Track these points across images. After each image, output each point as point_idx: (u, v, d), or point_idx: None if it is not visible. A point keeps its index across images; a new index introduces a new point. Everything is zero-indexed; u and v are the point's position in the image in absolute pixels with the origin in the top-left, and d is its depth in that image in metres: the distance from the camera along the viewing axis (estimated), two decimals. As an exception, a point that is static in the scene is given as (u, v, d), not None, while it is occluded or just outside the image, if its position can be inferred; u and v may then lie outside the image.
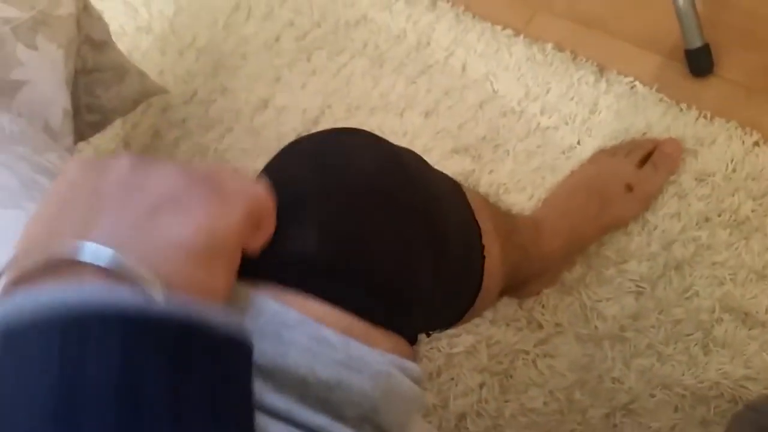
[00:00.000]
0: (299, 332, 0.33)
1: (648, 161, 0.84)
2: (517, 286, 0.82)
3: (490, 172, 0.93)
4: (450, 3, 1.06)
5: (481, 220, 0.54)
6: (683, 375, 0.77)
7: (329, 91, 1.07)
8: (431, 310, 0.44)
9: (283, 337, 0.33)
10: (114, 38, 1.08)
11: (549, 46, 0.96)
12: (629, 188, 0.82)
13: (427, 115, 1.00)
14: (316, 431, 0.32)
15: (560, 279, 0.84)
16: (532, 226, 0.78)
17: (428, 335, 0.55)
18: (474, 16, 1.04)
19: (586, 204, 0.82)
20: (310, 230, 0.36)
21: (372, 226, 0.38)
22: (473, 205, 0.54)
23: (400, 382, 0.37)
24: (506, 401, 0.83)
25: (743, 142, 0.83)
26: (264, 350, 0.32)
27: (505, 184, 0.92)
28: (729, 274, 0.78)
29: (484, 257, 0.53)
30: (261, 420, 0.31)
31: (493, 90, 0.97)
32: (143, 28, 1.31)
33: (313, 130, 1.06)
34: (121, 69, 1.10)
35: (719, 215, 0.81)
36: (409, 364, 0.38)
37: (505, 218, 0.71)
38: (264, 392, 0.32)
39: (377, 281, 0.37)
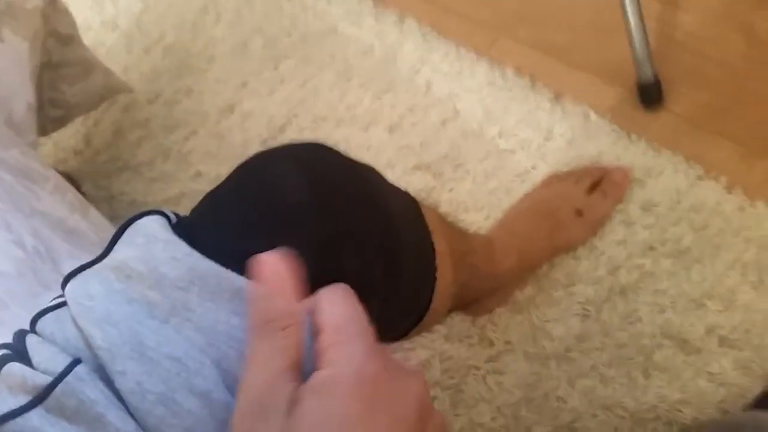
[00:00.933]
0: None
1: (597, 188, 0.88)
2: (469, 303, 0.85)
3: (450, 190, 0.96)
4: (417, 22, 1.08)
5: (436, 240, 0.55)
6: (624, 397, 0.81)
7: (296, 100, 1.08)
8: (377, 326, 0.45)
9: None
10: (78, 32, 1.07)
11: (510, 71, 1.00)
12: (579, 213, 0.86)
13: (391, 130, 1.02)
14: None
15: (512, 298, 0.87)
16: (485, 246, 0.81)
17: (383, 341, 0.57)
18: (440, 36, 1.06)
19: (537, 226, 0.86)
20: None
21: (336, 236, 0.40)
22: (430, 225, 0.55)
23: None
24: (456, 415, 0.85)
25: (687, 175, 0.87)
26: None
27: (464, 202, 0.95)
28: (670, 302, 0.83)
29: (435, 278, 0.55)
30: None
31: (456, 110, 0.99)
32: (109, 23, 1.29)
33: (279, 138, 1.08)
34: (87, 64, 1.09)
35: (663, 244, 0.85)
36: None
37: (461, 238, 0.73)
38: None
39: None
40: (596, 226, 0.87)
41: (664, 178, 0.88)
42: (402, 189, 0.55)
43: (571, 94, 0.97)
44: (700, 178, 0.88)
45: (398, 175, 0.98)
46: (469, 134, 0.98)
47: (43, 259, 0.63)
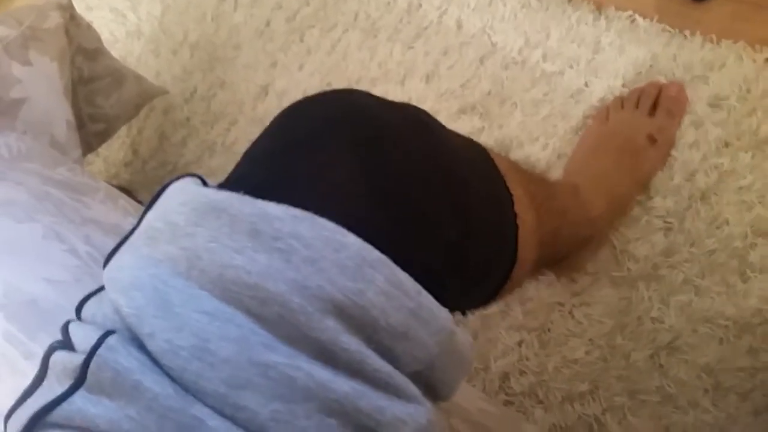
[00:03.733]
0: (379, 272, 0.32)
1: (659, 108, 0.81)
2: (560, 259, 0.79)
3: (500, 127, 0.91)
4: (437, -38, 1.03)
5: (511, 186, 0.51)
6: (724, 306, 0.75)
7: (327, 68, 1.05)
8: (465, 282, 0.42)
9: (364, 274, 0.31)
10: (106, 46, 1.07)
11: (543, -10, 0.94)
12: (652, 139, 0.80)
13: (428, 78, 0.98)
14: (379, 380, 0.32)
15: (605, 244, 0.81)
16: (571, 190, 0.75)
17: (464, 314, 0.52)
18: (462, -30, 1.01)
19: (618, 163, 0.79)
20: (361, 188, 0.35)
21: (405, 189, 0.37)
22: (502, 171, 0.51)
23: (461, 342, 0.36)
24: (547, 356, 0.82)
25: (754, 60, 0.80)
26: (343, 285, 0.31)
27: (517, 137, 0.90)
28: (757, 197, 0.76)
29: (517, 226, 0.50)
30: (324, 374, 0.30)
31: (492, 43, 0.94)
32: (133, 32, 1.30)
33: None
34: (118, 74, 1.09)
35: (739, 138, 0.78)
36: (463, 331, 0.37)
37: (541, 183, 0.67)
38: (339, 332, 0.31)
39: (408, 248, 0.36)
40: (670, 147, 0.81)
41: (729, 68, 0.81)
42: (465, 136, 0.51)
43: (611, 2, 0.90)
44: (768, 60, 0.80)
45: (443, 122, 0.94)
46: (510, 65, 0.93)
47: (99, 263, 0.63)
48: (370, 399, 0.31)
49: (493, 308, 0.85)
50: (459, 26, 0.98)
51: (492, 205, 0.48)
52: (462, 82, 0.95)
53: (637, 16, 0.88)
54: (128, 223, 0.75)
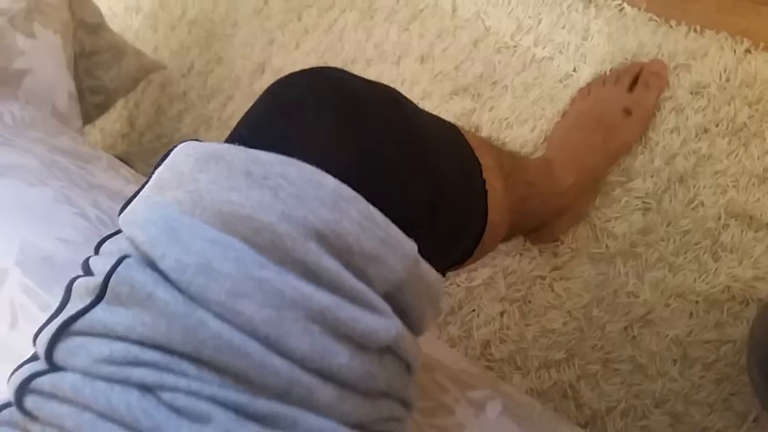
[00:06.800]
0: (353, 206, 0.37)
1: (638, 83, 0.85)
2: (536, 228, 0.84)
3: (491, 108, 0.95)
4: (433, -54, 1.06)
5: (480, 156, 0.56)
6: (695, 282, 0.80)
7: (323, 48, 1.08)
8: (437, 240, 0.46)
9: (340, 207, 0.36)
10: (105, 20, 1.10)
11: (536, -23, 0.97)
12: (627, 112, 0.84)
13: (423, 60, 1.01)
14: (355, 296, 0.36)
15: (583, 215, 0.86)
16: (541, 164, 0.80)
17: (443, 274, 0.57)
18: (458, -44, 1.04)
19: (590, 135, 0.84)
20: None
21: (379, 149, 0.41)
22: (472, 144, 0.56)
23: (426, 270, 0.41)
24: (527, 325, 0.86)
25: (734, 51, 0.84)
26: (323, 216, 0.36)
27: (506, 119, 0.94)
28: (731, 181, 0.81)
29: (486, 191, 0.55)
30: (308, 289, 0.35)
31: (485, 27, 0.98)
32: (132, 7, 1.32)
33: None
34: (118, 49, 1.11)
35: (717, 125, 0.82)
36: (431, 269, 0.41)
37: (509, 156, 0.72)
38: (320, 255, 0.36)
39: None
40: (647, 120, 0.85)
41: (710, 58, 0.85)
42: (435, 115, 0.56)
43: (600, -10, 0.94)
44: (748, 51, 0.84)
45: (436, 103, 0.98)
46: (502, 49, 0.96)
47: (108, 226, 0.66)
48: (347, 310, 0.36)
49: (478, 280, 0.89)
50: (454, 10, 1.01)
51: (461, 170, 0.52)
52: (455, 64, 0.99)
53: (625, 5, 0.92)
54: (130, 190, 0.78)
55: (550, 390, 0.83)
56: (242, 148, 0.38)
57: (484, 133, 0.94)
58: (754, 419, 0.76)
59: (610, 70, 0.89)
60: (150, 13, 1.30)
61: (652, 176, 0.84)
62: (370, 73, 1.03)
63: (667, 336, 0.80)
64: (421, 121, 0.48)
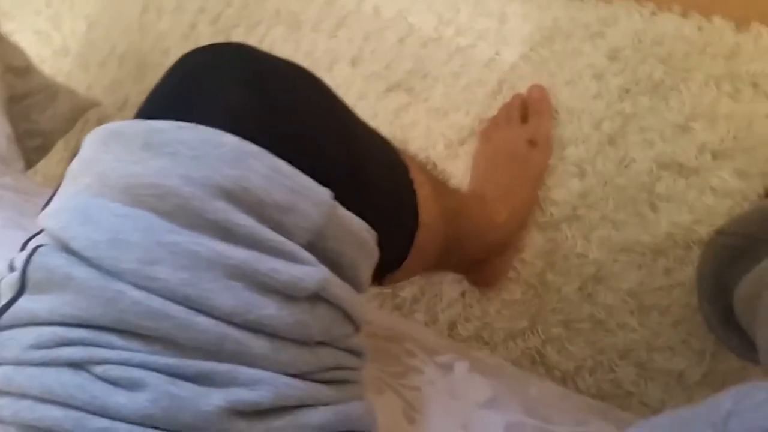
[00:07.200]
0: (259, 160, 0.37)
1: (529, 113, 0.90)
2: (477, 266, 0.85)
3: (425, 100, 0.98)
4: (349, -46, 1.10)
5: (407, 160, 0.57)
6: (639, 235, 0.84)
7: (256, 64, 1.10)
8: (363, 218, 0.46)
9: (244, 162, 0.37)
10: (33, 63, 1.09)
11: (449, -30, 1.02)
12: (532, 143, 0.88)
13: (354, 63, 1.04)
14: (273, 248, 0.37)
15: (520, 249, 0.88)
16: (472, 194, 0.83)
17: (379, 284, 0.56)
18: (374, -41, 1.08)
19: (509, 171, 0.87)
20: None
21: (295, 120, 0.42)
22: (399, 150, 0.56)
23: (345, 216, 0.41)
24: (488, 300, 0.89)
25: (641, 14, 0.89)
26: (227, 173, 0.36)
27: (441, 107, 0.97)
28: (658, 135, 0.85)
29: (414, 191, 0.55)
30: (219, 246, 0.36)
31: (409, 24, 1.01)
32: (60, 50, 1.31)
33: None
34: (50, 90, 1.11)
35: (636, 84, 0.87)
36: (353, 216, 0.42)
37: (439, 175, 0.75)
38: (230, 211, 0.36)
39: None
40: (550, 143, 0.90)
41: (621, 23, 0.90)
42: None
43: (512, -24, 0.99)
44: (654, 13, 0.90)
45: (372, 102, 1.01)
46: (428, 43, 1.00)
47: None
48: (266, 262, 0.36)
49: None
50: (377, 12, 1.04)
51: (387, 163, 0.53)
52: (385, 63, 1.02)
53: (536, -14, 0.96)
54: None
55: (519, 359, 0.86)
56: (140, 121, 0.38)
57: (422, 125, 0.97)
58: (711, 354, 0.80)
59: (534, 54, 0.93)
60: (79, 54, 1.30)
61: (584, 142, 0.88)
62: (305, 82, 1.05)
63: (620, 289, 0.84)
64: (344, 106, 0.48)
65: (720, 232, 0.77)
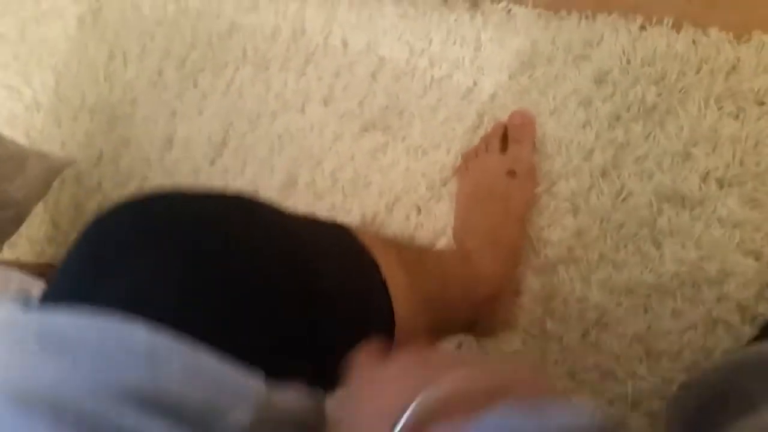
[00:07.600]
0: (174, 356, 0.33)
1: (509, 141, 0.83)
2: (478, 320, 0.80)
3: (403, 138, 0.92)
4: (313, -17, 1.03)
5: (378, 254, 0.53)
6: (642, 274, 0.77)
7: (225, 109, 1.05)
8: (339, 338, 0.43)
9: (156, 362, 0.33)
10: (6, 124, 1.05)
11: (418, -5, 0.94)
12: (511, 174, 0.81)
13: (326, 102, 0.98)
14: None
15: (520, 294, 0.82)
16: (455, 253, 0.78)
17: None
18: (338, -12, 1.01)
19: (489, 211, 0.81)
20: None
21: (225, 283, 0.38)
22: (367, 243, 0.53)
23: (282, 400, 0.36)
24: (486, 353, 0.83)
25: (629, 30, 0.82)
26: (135, 375, 0.32)
27: (420, 145, 0.91)
28: (655, 164, 0.78)
29: (385, 287, 0.52)
30: None
31: (379, 58, 0.95)
32: (31, 106, 1.27)
33: (224, 152, 1.04)
34: (19, 157, 1.07)
35: (628, 110, 0.80)
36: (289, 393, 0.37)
37: (416, 251, 0.71)
38: (139, 418, 0.32)
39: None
40: (533, 172, 0.83)
41: (607, 42, 0.83)
42: (324, 218, 0.53)
43: (485, -5, 0.91)
44: (642, 28, 0.82)
45: (348, 143, 0.95)
46: (401, 76, 0.93)
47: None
48: None
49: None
50: (345, 45, 0.98)
51: (347, 270, 0.49)
52: (359, 100, 0.95)
53: (512, 6, 0.89)
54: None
55: (522, 417, 0.80)
56: (34, 316, 0.34)
57: (401, 166, 0.91)
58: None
59: (513, 83, 0.86)
60: (50, 108, 1.25)
61: (574, 175, 0.81)
62: (278, 126, 0.99)
63: (626, 335, 0.77)
64: (288, 231, 0.44)
65: (684, 387, 0.69)
